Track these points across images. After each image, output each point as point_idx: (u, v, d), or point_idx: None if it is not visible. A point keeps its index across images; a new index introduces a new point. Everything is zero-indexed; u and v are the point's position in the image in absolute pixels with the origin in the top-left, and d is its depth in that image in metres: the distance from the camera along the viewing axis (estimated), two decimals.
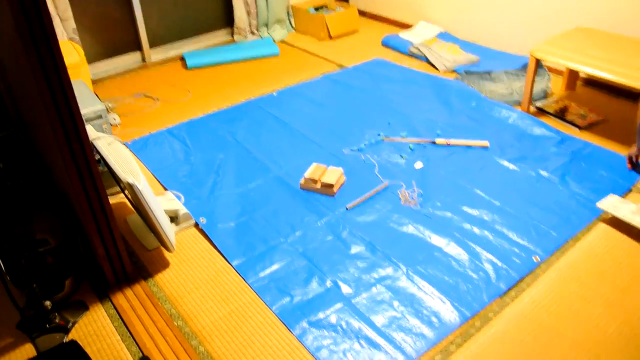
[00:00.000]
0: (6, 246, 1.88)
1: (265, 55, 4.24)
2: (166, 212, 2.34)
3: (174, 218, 2.40)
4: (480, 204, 2.50)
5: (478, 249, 2.24)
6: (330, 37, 4.59)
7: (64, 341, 1.89)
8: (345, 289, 2.06)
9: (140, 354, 1.84)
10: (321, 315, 1.95)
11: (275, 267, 2.17)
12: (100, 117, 2.54)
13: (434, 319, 1.93)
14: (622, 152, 2.87)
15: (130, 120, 3.35)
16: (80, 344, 1.87)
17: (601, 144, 2.95)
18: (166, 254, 2.28)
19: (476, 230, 2.34)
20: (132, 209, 2.53)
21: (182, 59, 4.23)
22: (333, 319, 1.94)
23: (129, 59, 4.14)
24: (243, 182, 2.68)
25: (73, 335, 1.92)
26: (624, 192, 2.56)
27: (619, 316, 1.93)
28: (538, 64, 3.10)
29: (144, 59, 4.20)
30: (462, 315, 1.94)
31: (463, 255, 2.21)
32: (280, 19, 4.68)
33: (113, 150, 2.08)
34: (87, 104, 2.52)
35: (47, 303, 1.90)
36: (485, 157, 2.85)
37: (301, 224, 2.40)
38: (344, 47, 4.41)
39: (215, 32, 4.59)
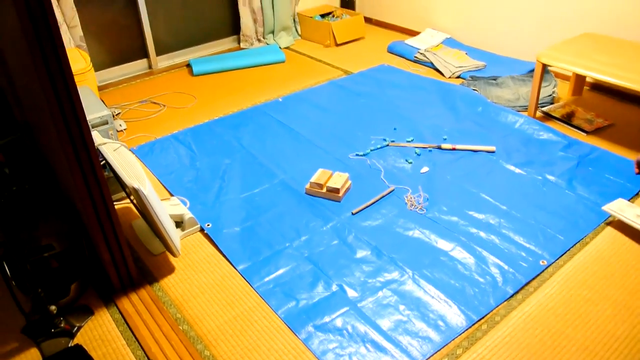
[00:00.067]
0: (12, 251, 1.89)
1: (271, 62, 4.26)
2: (172, 217, 2.34)
3: (179, 223, 2.40)
4: (487, 208, 2.49)
5: (484, 253, 2.23)
6: (336, 44, 4.60)
7: (69, 345, 1.89)
8: (351, 293, 2.05)
9: (146, 358, 1.83)
10: (327, 319, 1.94)
11: (280, 271, 2.16)
12: (106, 123, 2.55)
13: (440, 323, 1.91)
14: (629, 156, 2.85)
15: (137, 126, 3.36)
16: (86, 348, 1.86)
17: (608, 148, 2.94)
18: (171, 258, 2.28)
19: (482, 234, 2.33)
20: (138, 214, 2.53)
21: (189, 65, 4.25)
22: (339, 322, 1.92)
23: (136, 66, 4.17)
24: (248, 187, 2.68)
25: (78, 339, 1.92)
26: (632, 197, 2.54)
27: (627, 319, 1.91)
28: (544, 69, 3.09)
29: (150, 66, 4.22)
30: (468, 319, 1.92)
31: (469, 260, 2.19)
32: (287, 26, 4.69)
33: (119, 155, 2.09)
34: (93, 110, 2.53)
35: (53, 308, 1.90)
36: (492, 162, 2.84)
37: (307, 228, 2.39)
38: (349, 54, 4.42)
39: (222, 39, 4.62)
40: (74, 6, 3.56)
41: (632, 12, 3.27)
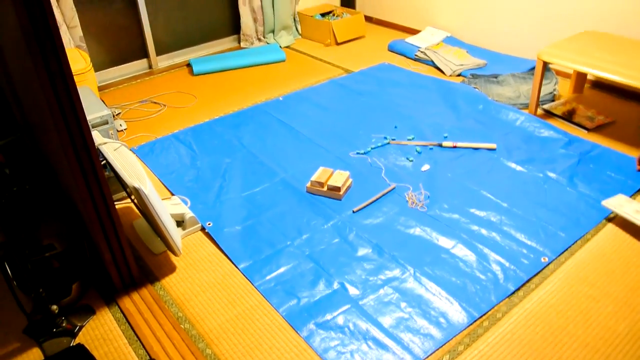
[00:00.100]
0: (13, 251, 1.89)
1: (271, 61, 4.26)
2: (172, 216, 2.34)
3: (180, 222, 2.41)
4: (488, 205, 2.49)
5: (486, 250, 2.22)
6: (336, 42, 4.60)
7: (71, 345, 1.89)
8: (353, 291, 2.05)
9: (148, 357, 1.84)
10: (328, 316, 1.94)
11: (282, 269, 2.16)
12: (106, 122, 2.55)
13: (441, 320, 1.91)
14: (631, 153, 2.84)
15: (137, 126, 3.36)
16: (88, 347, 1.87)
17: (609, 145, 2.93)
18: (173, 258, 2.28)
19: (484, 231, 2.33)
20: (139, 213, 2.53)
21: (189, 65, 4.26)
22: (340, 320, 1.92)
23: (136, 66, 4.17)
24: (249, 186, 2.69)
25: (80, 339, 1.92)
26: (633, 193, 2.54)
27: (628, 315, 1.91)
28: (545, 67, 3.09)
29: (150, 66, 4.23)
30: (470, 316, 1.92)
31: (470, 257, 2.19)
32: (287, 26, 4.69)
33: (119, 155, 2.09)
34: (94, 110, 2.53)
35: (54, 307, 1.91)
36: (493, 160, 2.84)
37: (308, 227, 2.39)
38: (350, 53, 4.42)
39: (222, 39, 4.62)
40: (73, 6, 3.56)
41: (632, 10, 3.26)
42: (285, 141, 3.09)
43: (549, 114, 3.29)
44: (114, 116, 3.41)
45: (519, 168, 2.75)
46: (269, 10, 4.55)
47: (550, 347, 1.81)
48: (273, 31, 4.68)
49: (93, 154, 1.81)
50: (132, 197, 2.49)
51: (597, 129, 3.11)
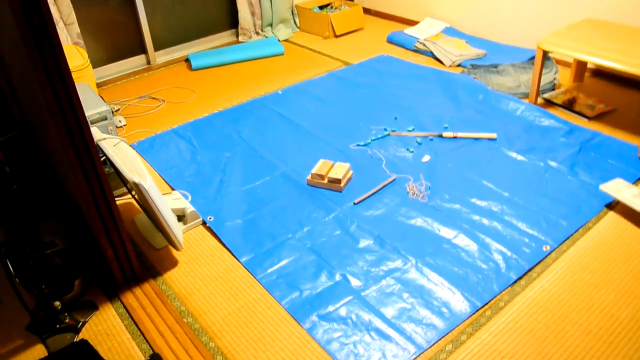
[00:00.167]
0: (14, 249, 1.89)
1: (270, 54, 4.25)
2: (173, 211, 2.34)
3: (181, 217, 2.41)
4: (489, 195, 2.48)
5: (487, 239, 2.22)
6: (335, 35, 4.59)
7: (75, 341, 1.89)
8: (355, 282, 2.05)
9: (151, 352, 1.84)
10: (331, 308, 1.94)
11: (283, 262, 2.16)
12: (105, 118, 2.55)
13: (444, 310, 1.91)
14: (632, 141, 2.84)
15: (136, 122, 3.36)
16: (91, 343, 1.87)
17: (610, 133, 2.92)
18: (174, 252, 2.28)
19: (485, 221, 2.32)
20: (140, 209, 2.53)
21: (187, 60, 4.25)
22: (343, 312, 1.93)
23: (134, 62, 4.16)
24: (250, 180, 2.68)
25: (83, 334, 1.92)
26: (635, 181, 2.53)
27: (630, 302, 1.91)
28: (545, 56, 3.08)
29: (148, 62, 4.22)
30: (472, 305, 1.92)
31: (472, 246, 2.19)
32: (285, 19, 4.68)
33: (119, 150, 2.09)
34: (92, 106, 2.53)
35: (57, 303, 1.91)
36: (493, 149, 2.83)
37: (309, 219, 2.39)
38: (349, 45, 4.41)
39: (220, 33, 4.61)
40: (70, 3, 3.55)
41: None
42: (285, 134, 3.09)
43: (549, 103, 3.28)
44: (113, 112, 3.41)
45: (519, 157, 2.74)
46: (266, 3, 4.53)
47: (553, 335, 1.81)
48: (271, 25, 4.67)
49: (92, 150, 1.80)
50: (133, 192, 2.49)
51: (598, 118, 3.10)
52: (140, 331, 1.92)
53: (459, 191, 2.52)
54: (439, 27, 4.37)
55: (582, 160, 2.70)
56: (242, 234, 2.33)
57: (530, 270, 2.08)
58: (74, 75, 2.61)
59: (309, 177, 2.62)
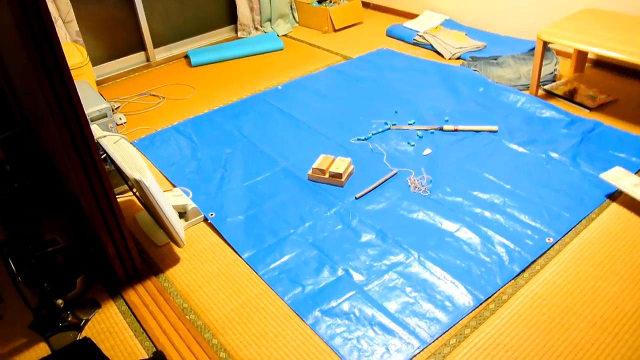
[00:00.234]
0: (16, 247, 1.89)
1: (269, 50, 4.23)
2: (175, 207, 2.33)
3: (182, 214, 2.40)
4: (491, 188, 2.48)
5: (490, 232, 2.21)
6: (334, 29, 4.57)
7: (78, 339, 1.89)
8: (357, 277, 2.04)
9: (154, 349, 1.84)
10: (333, 303, 1.94)
11: (285, 258, 2.16)
12: (105, 116, 2.54)
13: (447, 304, 1.91)
14: (634, 131, 2.82)
15: (136, 119, 3.35)
16: (94, 341, 1.87)
17: (612, 124, 2.91)
18: (176, 249, 2.28)
19: (487, 214, 2.32)
20: (141, 206, 2.53)
21: (187, 57, 4.23)
22: (346, 307, 1.92)
23: (134, 60, 4.15)
24: (251, 176, 2.68)
25: (86, 332, 1.92)
26: (637, 171, 2.52)
27: (635, 293, 1.90)
28: (545, 47, 3.06)
29: (148, 59, 4.20)
30: (475, 299, 1.92)
31: (475, 240, 2.18)
32: (284, 14, 4.66)
33: (119, 148, 2.08)
34: (92, 104, 2.52)
35: (59, 301, 1.90)
36: (495, 142, 2.82)
37: (310, 214, 2.38)
38: (348, 39, 4.39)
39: (219, 29, 4.59)
40: (68, 1, 3.54)
41: None
42: (285, 130, 3.08)
43: (550, 94, 3.27)
44: (113, 110, 3.40)
45: (521, 149, 2.73)
46: None
47: (557, 327, 1.80)
48: (270, 20, 4.65)
49: (92, 148, 1.80)
50: (134, 189, 2.48)
51: (599, 108, 3.08)
52: (143, 328, 1.92)
53: (460, 184, 2.51)
54: (438, 19, 4.35)
55: (584, 151, 2.68)
56: (244, 230, 2.32)
57: (533, 262, 2.07)
58: (73, 73, 2.59)
59: (310, 172, 2.61)
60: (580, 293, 1.93)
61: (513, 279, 2.01)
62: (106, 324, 1.95)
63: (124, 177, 2.20)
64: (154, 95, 3.65)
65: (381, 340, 1.79)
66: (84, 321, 1.96)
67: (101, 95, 2.75)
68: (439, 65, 3.67)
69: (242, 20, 4.52)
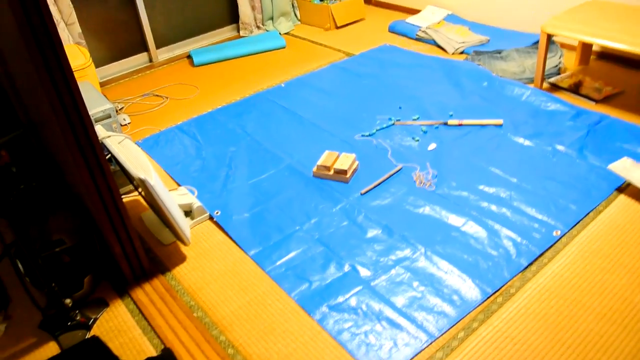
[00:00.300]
0: (23, 248, 1.89)
1: (271, 48, 4.23)
2: (180, 206, 2.33)
3: (188, 212, 2.40)
4: (497, 181, 2.47)
5: (497, 226, 2.21)
6: (336, 26, 4.56)
7: (86, 337, 1.90)
8: (364, 272, 2.04)
9: (162, 347, 1.84)
10: (341, 299, 1.93)
11: (292, 254, 2.16)
12: (109, 116, 2.54)
13: (455, 297, 1.90)
14: None
15: (140, 119, 3.35)
16: (103, 339, 1.87)
17: (618, 116, 2.89)
18: (182, 248, 2.28)
19: (494, 208, 2.31)
20: (147, 205, 2.53)
21: (189, 56, 4.23)
22: (353, 302, 1.92)
23: (136, 60, 4.16)
24: (255, 174, 2.67)
25: (95, 331, 1.93)
26: None
27: None
28: (549, 39, 3.05)
29: (150, 60, 4.21)
30: (483, 292, 1.91)
31: (481, 233, 2.18)
32: (286, 12, 4.66)
33: (123, 148, 2.08)
34: (96, 105, 2.53)
35: (68, 301, 1.91)
36: (500, 135, 2.81)
37: (316, 211, 2.38)
38: (350, 36, 4.39)
39: (221, 28, 4.59)
40: (70, 3, 3.54)
41: None
42: (289, 127, 3.07)
43: (555, 87, 3.26)
44: (117, 111, 3.40)
45: (526, 143, 2.72)
46: None
47: (566, 320, 1.79)
48: (272, 18, 4.65)
49: (97, 148, 1.80)
50: (139, 189, 2.48)
51: (605, 100, 3.07)
52: (151, 326, 1.92)
53: (466, 178, 2.51)
54: (440, 14, 4.34)
55: (590, 143, 2.67)
56: (250, 227, 2.32)
57: (540, 255, 2.06)
58: (76, 75, 2.60)
59: (314, 168, 2.61)
60: (588, 286, 1.92)
61: (521, 272, 2.00)
62: (114, 323, 1.95)
63: (129, 177, 2.20)
64: (157, 95, 3.66)
65: (389, 335, 1.79)
66: (92, 320, 1.96)
67: (104, 96, 2.76)
68: (443, 60, 3.66)
69: (244, 19, 4.52)
